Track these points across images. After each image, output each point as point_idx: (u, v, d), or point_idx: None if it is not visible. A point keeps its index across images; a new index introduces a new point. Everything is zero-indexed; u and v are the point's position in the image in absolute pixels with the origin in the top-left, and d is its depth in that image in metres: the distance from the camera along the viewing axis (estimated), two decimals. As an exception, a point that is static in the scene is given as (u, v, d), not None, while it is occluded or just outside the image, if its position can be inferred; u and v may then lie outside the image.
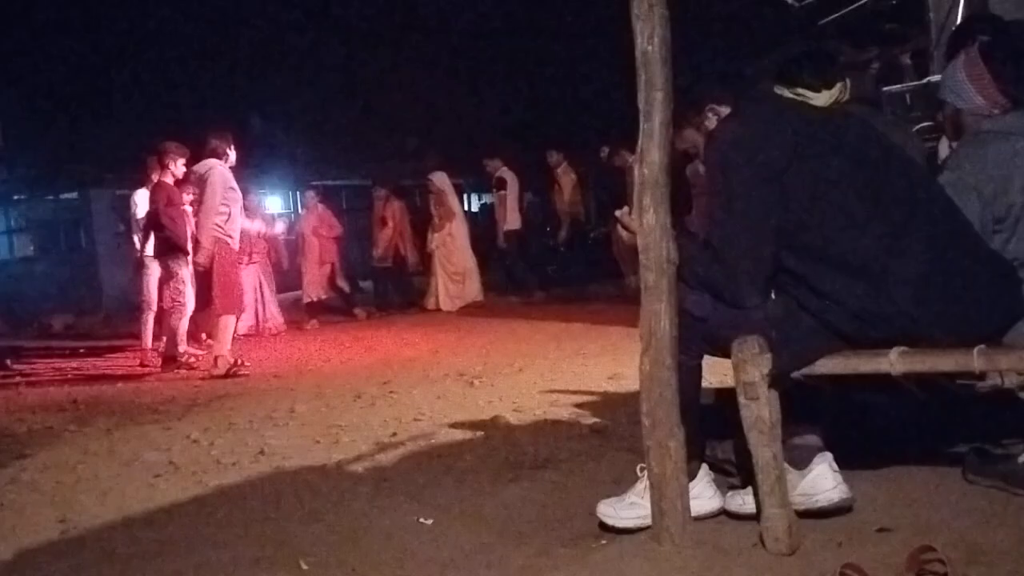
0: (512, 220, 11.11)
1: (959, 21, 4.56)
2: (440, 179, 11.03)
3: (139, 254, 8.12)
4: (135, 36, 17.33)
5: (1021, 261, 2.52)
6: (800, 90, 2.83)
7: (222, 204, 6.81)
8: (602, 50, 14.21)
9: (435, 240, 10.99)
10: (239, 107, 15.64)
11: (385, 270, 11.69)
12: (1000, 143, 2.57)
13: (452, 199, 11.08)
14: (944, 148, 3.32)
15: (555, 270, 12.46)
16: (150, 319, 8.03)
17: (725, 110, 2.56)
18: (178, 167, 7.48)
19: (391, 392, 5.47)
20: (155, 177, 7.73)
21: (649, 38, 2.33)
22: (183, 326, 7.53)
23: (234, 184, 6.97)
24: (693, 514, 2.44)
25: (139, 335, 8.17)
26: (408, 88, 17.41)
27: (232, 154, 6.98)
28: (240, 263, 8.05)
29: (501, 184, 11.12)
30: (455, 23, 17.74)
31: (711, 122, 2.58)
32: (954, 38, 3.44)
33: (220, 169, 6.88)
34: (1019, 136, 2.57)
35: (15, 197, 17.91)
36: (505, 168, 11.14)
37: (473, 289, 11.01)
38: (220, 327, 6.88)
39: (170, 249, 7.44)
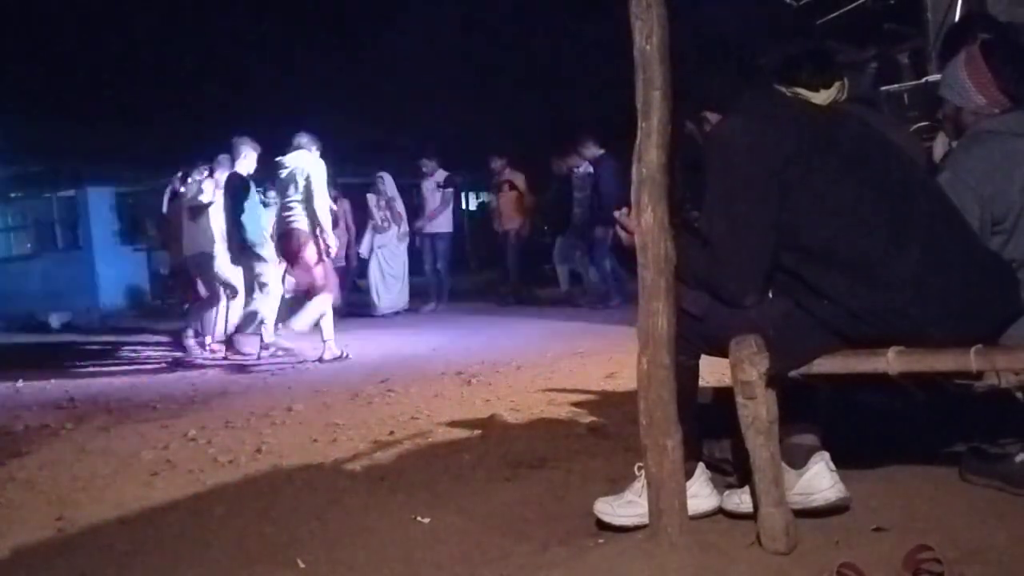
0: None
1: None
2: (389, 180, 11.00)
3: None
4: (135, 35, 17.32)
5: (1020, 262, 2.52)
6: (798, 89, 2.83)
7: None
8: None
9: (377, 240, 10.88)
10: (238, 105, 15.61)
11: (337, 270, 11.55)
12: (1000, 143, 2.56)
13: (399, 202, 11.05)
14: (939, 147, 3.31)
15: (552, 269, 12.44)
16: (210, 311, 8.10)
17: (716, 117, 2.56)
18: (251, 161, 7.52)
19: (389, 391, 5.47)
20: (207, 171, 7.78)
21: (647, 37, 2.33)
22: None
23: None
24: (690, 513, 2.43)
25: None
26: (405, 87, 17.42)
27: (317, 153, 6.98)
28: None
29: (451, 183, 11.18)
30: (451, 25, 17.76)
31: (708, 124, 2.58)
32: (951, 35, 3.43)
33: (317, 159, 6.88)
34: (1019, 136, 2.56)
35: (12, 195, 17.90)
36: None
37: (404, 294, 11.02)
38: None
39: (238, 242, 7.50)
